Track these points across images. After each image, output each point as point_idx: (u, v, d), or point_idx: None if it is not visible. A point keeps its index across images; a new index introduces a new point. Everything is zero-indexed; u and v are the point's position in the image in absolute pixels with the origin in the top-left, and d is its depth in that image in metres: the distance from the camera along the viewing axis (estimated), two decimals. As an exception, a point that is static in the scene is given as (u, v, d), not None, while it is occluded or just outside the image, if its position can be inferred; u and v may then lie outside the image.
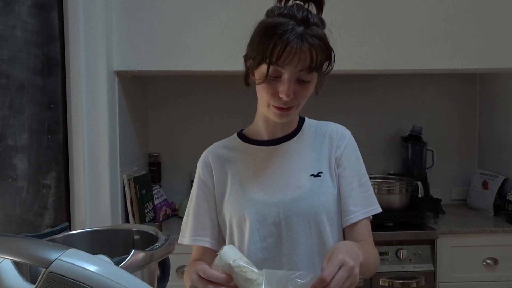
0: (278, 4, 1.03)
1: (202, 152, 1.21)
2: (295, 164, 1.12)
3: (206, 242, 1.15)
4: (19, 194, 1.86)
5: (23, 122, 1.85)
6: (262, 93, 1.05)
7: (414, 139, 2.56)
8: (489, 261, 2.14)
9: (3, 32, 1.82)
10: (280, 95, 1.01)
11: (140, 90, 2.55)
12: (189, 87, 2.66)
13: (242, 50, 2.29)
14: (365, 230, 1.12)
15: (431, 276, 2.12)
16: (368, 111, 2.70)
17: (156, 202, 2.42)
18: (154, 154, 2.61)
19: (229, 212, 1.12)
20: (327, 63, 1.03)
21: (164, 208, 2.47)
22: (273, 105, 1.04)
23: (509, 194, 2.29)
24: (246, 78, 1.10)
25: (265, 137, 1.15)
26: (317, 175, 1.10)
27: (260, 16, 1.08)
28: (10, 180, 1.85)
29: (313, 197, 1.08)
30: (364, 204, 1.12)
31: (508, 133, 2.52)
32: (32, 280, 0.64)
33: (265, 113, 1.09)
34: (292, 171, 1.11)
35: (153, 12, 2.06)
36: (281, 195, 1.09)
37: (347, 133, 1.17)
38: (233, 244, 1.11)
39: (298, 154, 1.13)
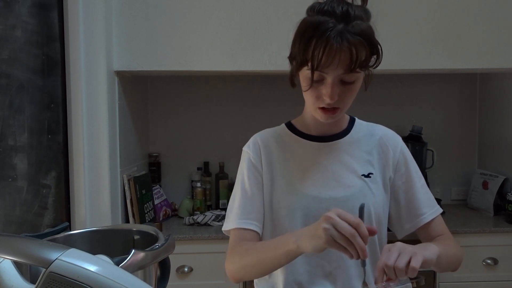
0: (318, 1, 1.01)
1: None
2: (346, 163, 1.12)
3: (255, 226, 1.11)
4: (19, 194, 1.86)
5: (23, 122, 1.85)
6: (307, 97, 1.05)
7: (414, 139, 2.56)
8: (489, 261, 2.14)
9: (3, 32, 1.82)
10: (324, 98, 1.00)
11: (140, 90, 2.55)
12: (189, 87, 2.66)
13: (242, 50, 2.29)
14: (440, 225, 1.16)
15: (431, 276, 2.12)
16: (368, 111, 2.69)
17: (156, 202, 2.42)
18: (154, 154, 2.61)
19: (277, 203, 1.11)
20: (374, 57, 1.01)
21: (164, 208, 2.47)
22: (318, 108, 1.04)
23: (509, 194, 2.29)
24: (292, 78, 1.09)
25: (314, 132, 1.15)
26: (368, 176, 1.10)
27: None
28: (10, 180, 1.85)
29: (364, 197, 1.08)
30: (432, 204, 1.15)
31: (508, 133, 2.52)
32: (32, 280, 0.64)
33: (312, 113, 1.09)
34: (343, 169, 1.11)
35: (153, 12, 2.06)
36: (332, 192, 1.08)
37: (399, 138, 1.18)
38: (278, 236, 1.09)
39: (349, 154, 1.13)
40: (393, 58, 2.10)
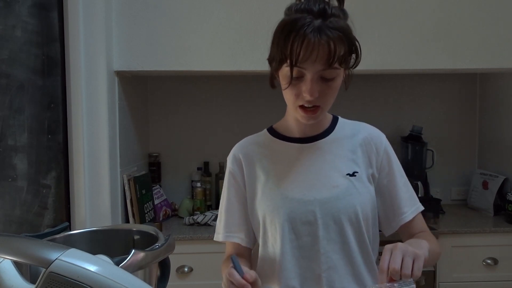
0: (296, 1, 1.02)
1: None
2: (330, 162, 1.11)
3: (238, 238, 1.15)
4: (19, 194, 1.86)
5: (23, 122, 1.85)
6: (287, 95, 1.04)
7: (414, 139, 2.56)
8: (489, 261, 2.15)
9: (3, 32, 1.82)
10: (304, 95, 0.99)
11: (140, 90, 2.55)
12: (189, 87, 2.66)
13: (242, 50, 2.29)
14: (420, 222, 1.15)
15: (431, 276, 2.12)
16: (368, 111, 2.70)
17: (156, 202, 2.42)
18: (154, 154, 2.61)
19: (263, 209, 1.10)
20: (354, 56, 1.01)
21: (164, 208, 2.47)
22: (299, 107, 1.03)
23: (509, 194, 2.29)
24: (271, 80, 1.09)
25: (296, 134, 1.14)
26: (353, 175, 1.09)
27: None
28: (10, 180, 1.85)
29: (349, 196, 1.07)
30: (413, 202, 1.14)
31: (508, 133, 2.52)
32: (32, 280, 0.64)
33: (293, 114, 1.09)
34: (327, 169, 1.10)
35: (153, 12, 2.06)
36: (317, 194, 1.07)
37: (383, 136, 1.17)
38: (267, 242, 1.11)
39: (333, 153, 1.12)
40: (393, 58, 2.10)
